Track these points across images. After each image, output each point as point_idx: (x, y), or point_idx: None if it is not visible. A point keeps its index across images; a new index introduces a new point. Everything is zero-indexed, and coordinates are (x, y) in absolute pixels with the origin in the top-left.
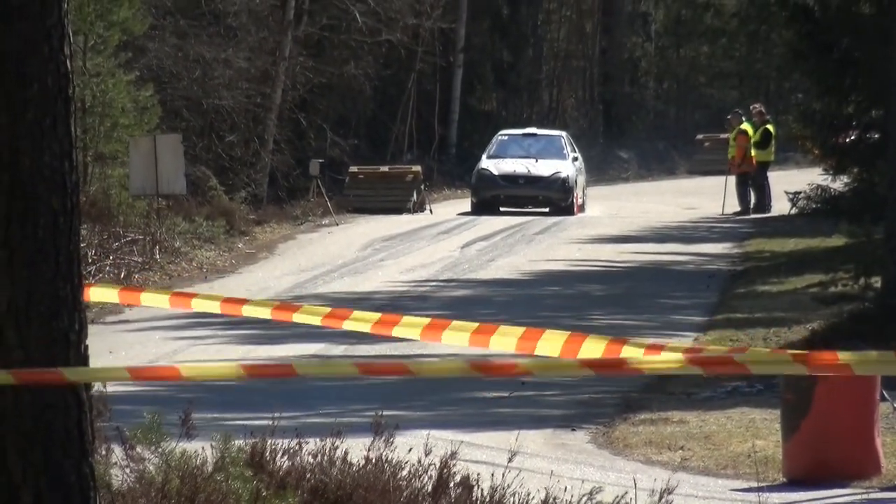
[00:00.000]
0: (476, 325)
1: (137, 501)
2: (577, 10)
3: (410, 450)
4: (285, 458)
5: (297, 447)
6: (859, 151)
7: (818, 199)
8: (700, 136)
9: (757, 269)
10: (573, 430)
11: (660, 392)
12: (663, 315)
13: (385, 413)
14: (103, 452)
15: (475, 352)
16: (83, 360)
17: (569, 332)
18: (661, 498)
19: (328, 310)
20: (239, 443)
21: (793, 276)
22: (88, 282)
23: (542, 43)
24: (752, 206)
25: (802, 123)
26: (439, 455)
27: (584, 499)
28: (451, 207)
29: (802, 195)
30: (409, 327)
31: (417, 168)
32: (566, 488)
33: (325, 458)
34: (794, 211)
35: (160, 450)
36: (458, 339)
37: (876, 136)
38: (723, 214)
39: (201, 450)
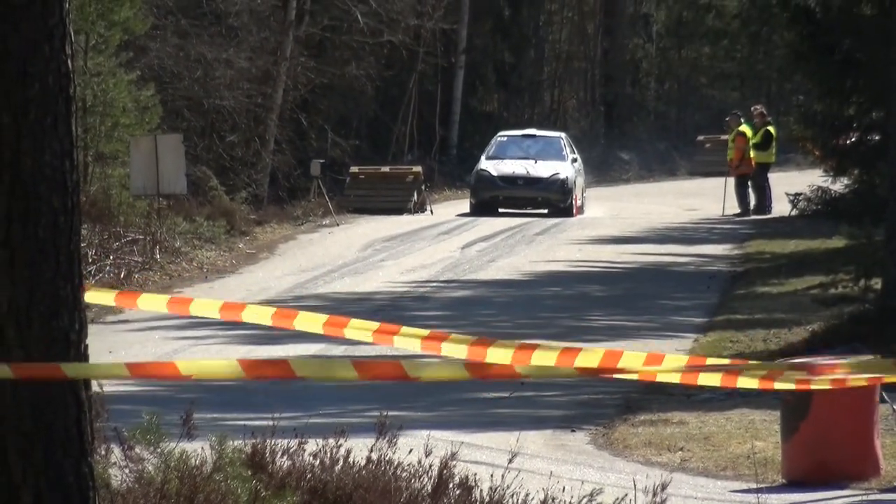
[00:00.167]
0: (471, 338)
1: (137, 502)
2: (578, 11)
3: (410, 451)
4: (285, 458)
5: (296, 447)
6: (860, 153)
7: (819, 200)
8: (701, 138)
9: (757, 271)
10: (573, 430)
11: (659, 393)
12: (663, 316)
13: (386, 413)
14: (102, 452)
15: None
16: (83, 359)
17: (563, 346)
18: (654, 494)
19: (326, 317)
20: (238, 443)
21: (793, 278)
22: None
23: (544, 44)
24: (752, 207)
25: (803, 125)
26: (439, 456)
27: (584, 500)
28: (452, 208)
29: (803, 197)
30: (409, 338)
31: (418, 169)
32: (565, 489)
33: (326, 458)
34: (794, 212)
35: (159, 450)
36: (457, 351)
37: (877, 137)
38: (723, 216)
39: (200, 450)
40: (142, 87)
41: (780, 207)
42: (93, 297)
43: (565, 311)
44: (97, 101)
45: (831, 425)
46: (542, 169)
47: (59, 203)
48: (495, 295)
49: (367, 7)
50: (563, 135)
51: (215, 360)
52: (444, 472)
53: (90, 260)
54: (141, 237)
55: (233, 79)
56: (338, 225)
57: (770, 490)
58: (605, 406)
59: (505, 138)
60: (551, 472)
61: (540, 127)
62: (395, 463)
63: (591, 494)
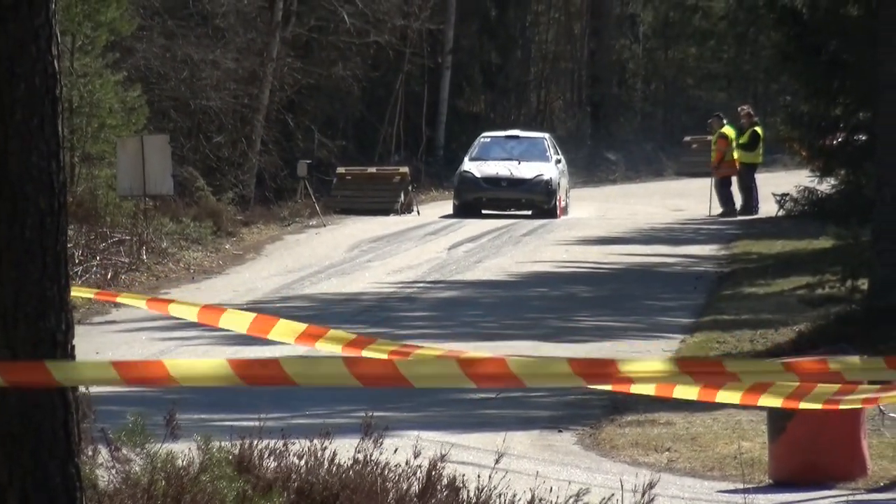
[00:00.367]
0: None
1: (124, 502)
2: (565, 12)
3: (396, 450)
4: (272, 458)
5: (283, 448)
6: (847, 154)
7: (805, 201)
8: (688, 138)
9: (744, 271)
10: (560, 431)
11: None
12: (650, 317)
13: (373, 414)
14: (89, 453)
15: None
16: (70, 360)
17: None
18: (643, 494)
19: (304, 327)
20: (225, 444)
21: (780, 278)
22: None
23: (531, 45)
24: (738, 208)
25: (790, 125)
26: (427, 457)
27: (571, 500)
28: (439, 209)
29: (789, 197)
30: (380, 350)
31: (405, 169)
32: (552, 489)
33: (313, 459)
34: (781, 213)
35: (146, 451)
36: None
37: (863, 138)
38: (710, 216)
39: (187, 450)
40: (128, 87)
41: (767, 208)
42: (78, 292)
43: (552, 311)
44: (84, 102)
45: (818, 425)
46: (525, 170)
47: (46, 204)
48: (482, 296)
49: (353, 8)
50: (546, 136)
51: (205, 362)
52: (433, 472)
53: (77, 261)
54: (127, 238)
55: (219, 79)
56: (325, 226)
57: (757, 490)
58: (592, 406)
59: (488, 139)
60: (538, 473)
61: (527, 128)
62: (383, 464)
63: (578, 495)
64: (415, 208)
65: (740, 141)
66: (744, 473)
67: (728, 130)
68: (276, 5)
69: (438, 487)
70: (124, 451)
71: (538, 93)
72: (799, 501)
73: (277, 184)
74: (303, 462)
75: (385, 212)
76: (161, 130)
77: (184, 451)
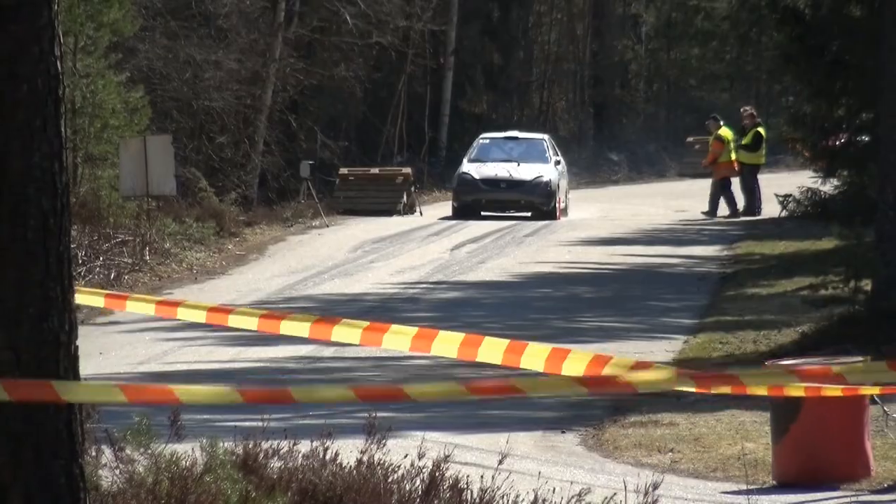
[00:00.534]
0: (462, 336)
1: (128, 503)
2: (567, 12)
3: (406, 455)
4: (275, 459)
5: (287, 449)
6: (850, 154)
7: (808, 201)
8: (690, 139)
9: (747, 272)
10: (563, 432)
11: (649, 394)
12: (653, 317)
13: (376, 415)
14: (93, 454)
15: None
16: (73, 361)
17: (552, 346)
18: (646, 494)
19: (314, 318)
20: (228, 444)
21: (783, 279)
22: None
23: (533, 46)
24: (740, 209)
25: (793, 126)
26: (430, 457)
27: (574, 500)
28: (441, 209)
29: (792, 198)
30: (399, 335)
31: (407, 170)
32: (555, 490)
33: (316, 460)
34: (783, 214)
35: (150, 451)
36: (446, 350)
37: (866, 138)
38: (702, 213)
39: (191, 451)
40: (131, 88)
41: (770, 209)
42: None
43: (555, 312)
44: (86, 103)
45: (822, 426)
46: (524, 171)
47: (49, 205)
48: (485, 296)
49: (355, 8)
50: (546, 136)
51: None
52: (437, 473)
53: (80, 261)
54: (130, 238)
55: (222, 80)
56: (327, 226)
57: (760, 491)
58: (595, 407)
59: (487, 140)
60: (541, 474)
61: (530, 129)
62: (386, 465)
63: (581, 495)
64: (417, 209)
65: (743, 142)
66: (747, 474)
67: (725, 132)
68: (278, 6)
69: (442, 488)
70: (128, 451)
71: (541, 93)
72: (802, 502)
73: (280, 184)
74: (307, 463)
75: (388, 212)
76: (164, 131)
77: (188, 451)
